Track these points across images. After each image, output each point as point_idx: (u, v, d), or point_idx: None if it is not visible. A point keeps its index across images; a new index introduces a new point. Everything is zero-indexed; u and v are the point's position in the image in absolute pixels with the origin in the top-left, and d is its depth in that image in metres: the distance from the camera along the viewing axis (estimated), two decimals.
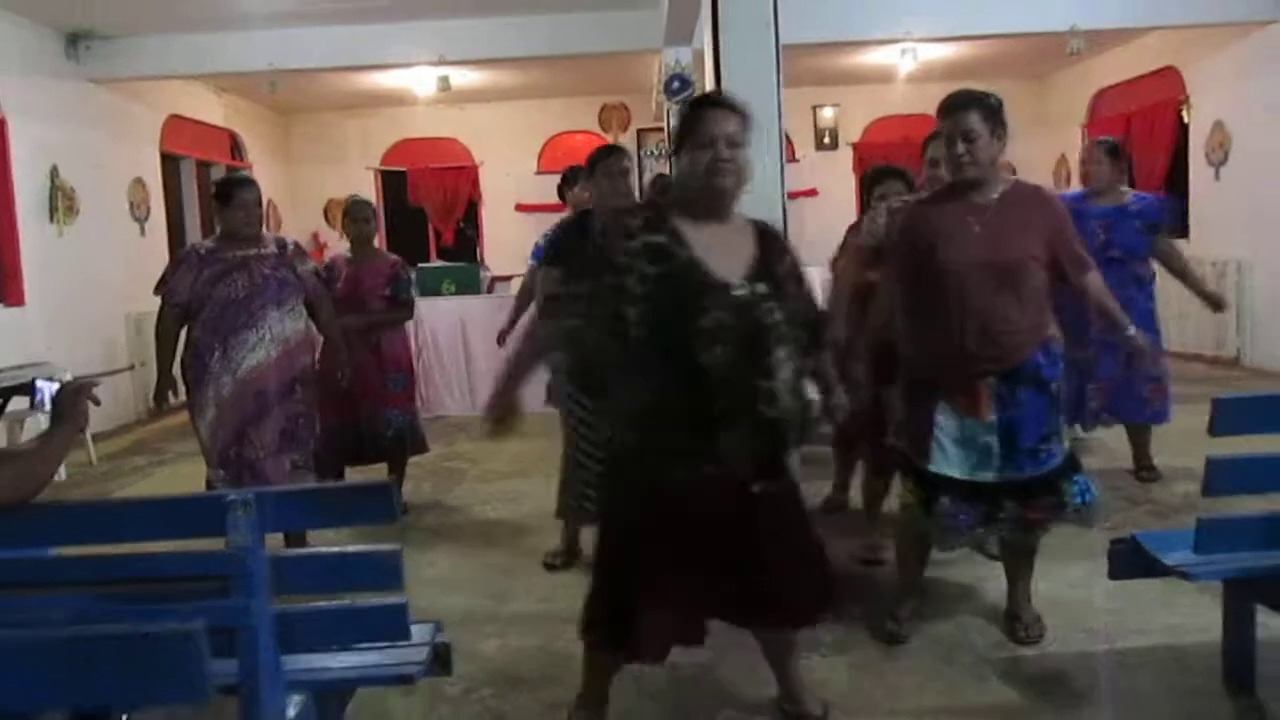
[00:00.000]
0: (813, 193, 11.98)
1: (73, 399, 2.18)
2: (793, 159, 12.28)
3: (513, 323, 4.97)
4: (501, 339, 5.10)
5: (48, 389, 2.24)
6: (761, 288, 2.49)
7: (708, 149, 2.47)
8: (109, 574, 1.96)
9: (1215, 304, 5.22)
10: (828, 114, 12.64)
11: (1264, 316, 8.57)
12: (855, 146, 12.52)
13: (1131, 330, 3.25)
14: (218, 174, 10.67)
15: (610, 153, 4.11)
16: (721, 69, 3.66)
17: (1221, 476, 2.51)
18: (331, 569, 2.11)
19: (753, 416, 2.44)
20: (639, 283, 2.43)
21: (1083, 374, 4.99)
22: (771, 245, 2.61)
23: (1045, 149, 11.87)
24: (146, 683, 1.45)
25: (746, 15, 3.62)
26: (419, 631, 2.29)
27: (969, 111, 3.01)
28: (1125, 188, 5.19)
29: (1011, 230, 3.04)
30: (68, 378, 2.53)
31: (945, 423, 3.10)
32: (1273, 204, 8.34)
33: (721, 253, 2.50)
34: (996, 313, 3.01)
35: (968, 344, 3.03)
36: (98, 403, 2.23)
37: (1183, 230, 9.88)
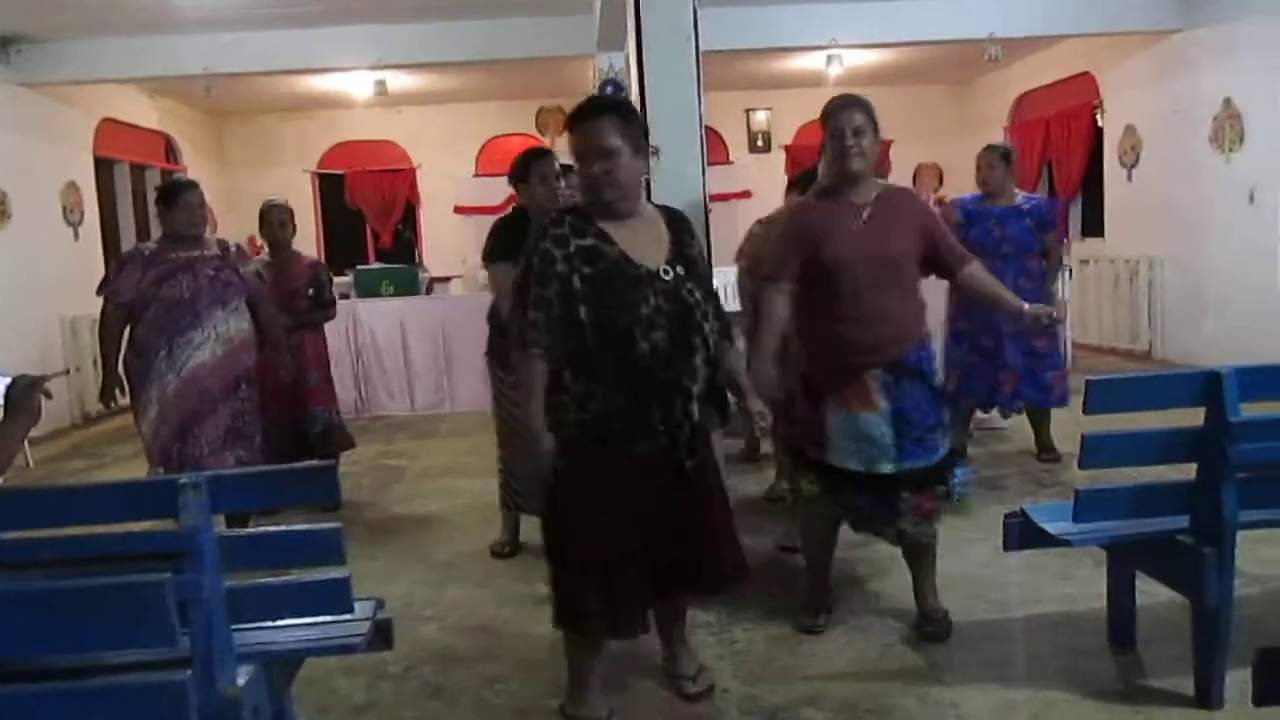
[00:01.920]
0: (747, 194, 12.22)
1: (27, 393, 2.30)
2: (727, 161, 12.56)
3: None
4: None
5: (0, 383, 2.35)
6: (680, 269, 2.73)
7: (584, 164, 2.67)
8: (66, 553, 2.09)
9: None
10: (760, 117, 12.92)
11: (1173, 311, 8.96)
12: (788, 149, 12.80)
13: (1025, 306, 3.37)
14: (152, 177, 10.64)
15: (542, 156, 4.18)
16: (646, 78, 3.84)
17: (1095, 451, 2.74)
18: (277, 546, 2.27)
19: (683, 393, 2.68)
20: (581, 283, 2.65)
21: (991, 362, 5.32)
22: (680, 228, 2.84)
23: (970, 151, 11.95)
24: (121, 630, 1.60)
25: (667, 28, 3.80)
26: (361, 607, 2.44)
27: (856, 110, 3.20)
28: (1016, 189, 5.56)
29: (888, 227, 3.21)
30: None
31: (835, 418, 3.23)
32: (1180, 203, 8.74)
33: (643, 244, 2.72)
34: (879, 306, 3.18)
35: (854, 337, 3.18)
36: (49, 396, 2.36)
37: (1098, 229, 10.33)
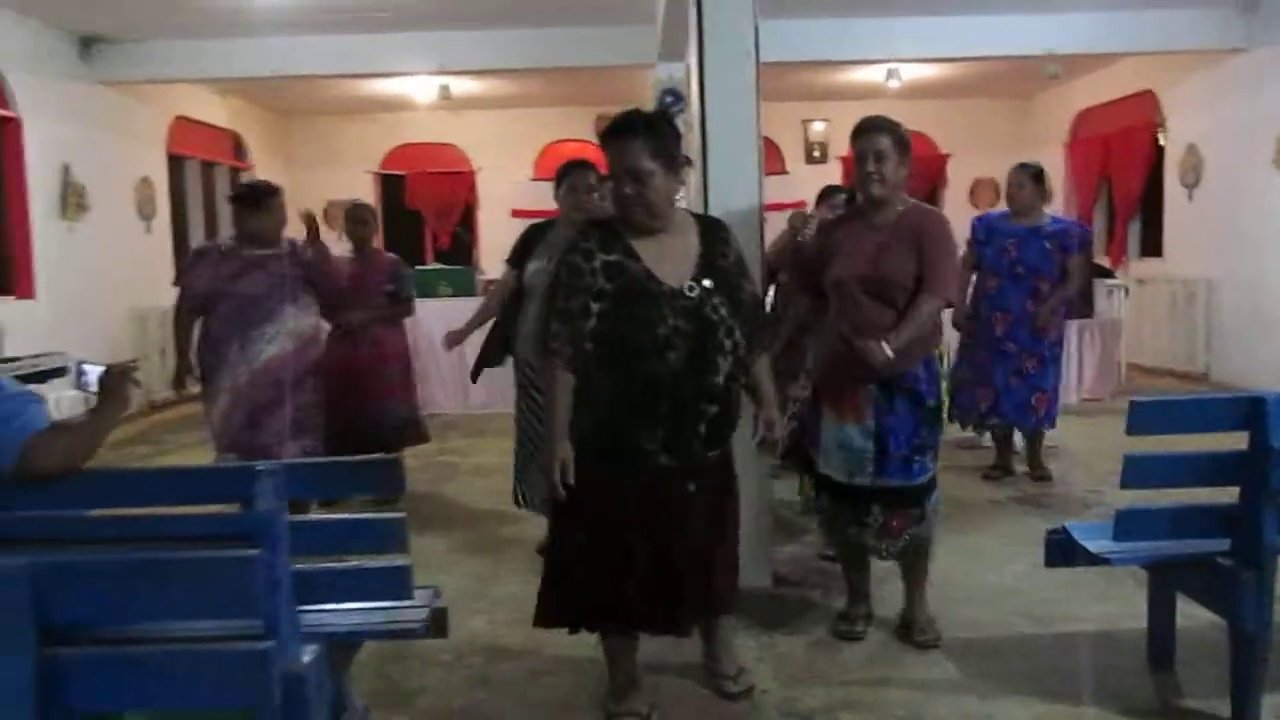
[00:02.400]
0: (801, 204, 12.17)
1: (119, 380, 2.45)
2: (783, 171, 12.60)
3: (474, 327, 4.87)
4: (453, 341, 4.95)
5: (94, 371, 2.49)
6: (708, 283, 2.73)
7: (615, 184, 2.71)
8: (148, 532, 2.23)
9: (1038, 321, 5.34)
10: (818, 128, 12.98)
11: (1232, 333, 8.86)
12: (844, 160, 12.81)
13: (873, 344, 3.18)
14: (221, 174, 10.94)
15: (578, 167, 4.27)
16: (706, 90, 3.94)
17: (1135, 471, 2.79)
18: (343, 533, 2.40)
19: (697, 413, 2.71)
20: (599, 298, 2.70)
21: (978, 378, 5.38)
22: (714, 238, 2.84)
23: None
24: (207, 601, 1.73)
25: (729, 41, 3.87)
26: (420, 595, 2.56)
27: (881, 134, 3.25)
28: (1045, 210, 5.53)
29: (896, 249, 3.25)
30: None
31: (828, 427, 3.35)
32: (1241, 225, 8.65)
33: (670, 259, 2.74)
34: (876, 324, 3.22)
35: (850, 353, 3.24)
36: (139, 385, 2.51)
37: (1156, 249, 10.24)
